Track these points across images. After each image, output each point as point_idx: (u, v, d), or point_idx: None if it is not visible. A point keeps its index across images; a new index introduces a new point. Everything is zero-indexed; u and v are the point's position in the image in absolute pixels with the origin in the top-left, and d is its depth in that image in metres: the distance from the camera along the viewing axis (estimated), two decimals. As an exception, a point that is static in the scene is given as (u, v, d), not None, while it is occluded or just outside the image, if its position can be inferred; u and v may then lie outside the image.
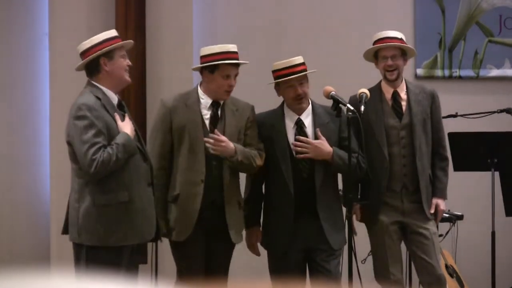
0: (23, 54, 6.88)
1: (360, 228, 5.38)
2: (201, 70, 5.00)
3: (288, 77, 5.05)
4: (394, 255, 5.29)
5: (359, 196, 5.31)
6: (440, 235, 5.83)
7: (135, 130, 4.67)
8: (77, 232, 4.57)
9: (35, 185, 6.88)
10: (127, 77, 4.66)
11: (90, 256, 4.54)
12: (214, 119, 5.01)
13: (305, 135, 5.08)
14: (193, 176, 4.91)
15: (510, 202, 6.19)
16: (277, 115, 5.16)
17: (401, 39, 5.29)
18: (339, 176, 5.26)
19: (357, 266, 4.89)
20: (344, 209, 5.10)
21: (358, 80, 5.49)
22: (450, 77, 7.26)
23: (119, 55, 4.63)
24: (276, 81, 5.10)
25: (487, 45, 7.27)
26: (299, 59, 5.10)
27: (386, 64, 5.26)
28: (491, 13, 7.28)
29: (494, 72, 7.29)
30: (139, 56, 6.58)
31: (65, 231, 4.73)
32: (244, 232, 5.20)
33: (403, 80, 5.38)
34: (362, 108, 4.90)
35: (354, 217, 5.16)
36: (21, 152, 6.86)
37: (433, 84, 6.20)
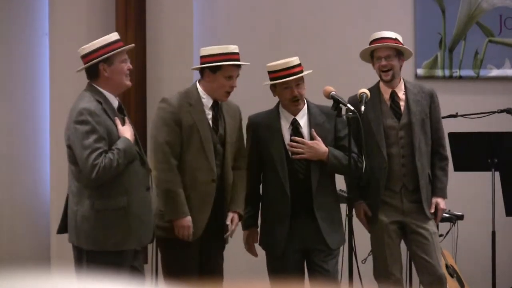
0: (23, 54, 6.88)
1: (360, 228, 5.37)
2: (202, 69, 4.99)
3: (285, 79, 5.03)
4: (394, 255, 5.29)
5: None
6: (440, 235, 5.83)
7: (134, 135, 4.67)
8: (75, 235, 4.57)
9: (35, 185, 6.88)
10: (126, 81, 4.66)
11: (90, 259, 4.53)
12: (215, 119, 5.02)
13: (301, 135, 5.08)
14: (204, 175, 4.90)
15: (510, 202, 6.19)
16: (273, 115, 5.16)
17: (395, 39, 5.28)
18: (340, 176, 5.26)
19: (357, 266, 4.89)
20: (343, 210, 5.10)
21: (358, 80, 5.49)
22: (451, 77, 7.26)
23: (119, 60, 4.63)
24: (272, 82, 5.09)
25: (487, 45, 7.27)
26: (295, 60, 5.08)
27: (380, 64, 5.27)
28: (491, 13, 7.28)
29: (494, 72, 7.29)
30: (139, 56, 6.58)
31: (61, 230, 4.73)
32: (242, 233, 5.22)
33: (401, 80, 5.37)
34: (363, 108, 4.90)
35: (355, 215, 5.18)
36: (21, 152, 6.86)
37: (433, 84, 6.20)
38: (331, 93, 4.96)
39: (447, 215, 6.14)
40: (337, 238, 5.09)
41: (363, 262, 5.34)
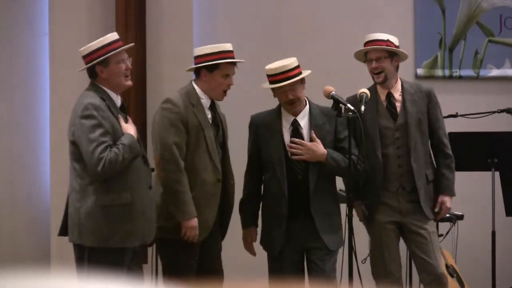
0: (23, 54, 6.88)
1: (360, 228, 5.38)
2: (197, 69, 4.99)
3: (279, 84, 5.02)
4: (392, 254, 5.29)
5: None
6: (440, 235, 5.82)
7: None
8: (78, 233, 4.57)
9: (35, 185, 6.88)
10: (125, 81, 4.68)
11: (92, 258, 4.54)
12: (214, 119, 5.03)
13: (301, 136, 5.08)
14: (210, 176, 4.91)
15: (510, 202, 6.19)
16: (274, 115, 5.16)
17: (387, 40, 5.25)
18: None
19: (357, 266, 4.89)
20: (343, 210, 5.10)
21: (358, 80, 5.49)
22: (450, 77, 7.26)
23: (115, 61, 4.65)
24: (267, 87, 5.09)
25: (487, 45, 7.27)
26: (292, 63, 5.05)
27: (371, 66, 5.27)
28: (492, 13, 7.28)
29: (494, 72, 7.29)
30: (139, 56, 6.58)
31: (62, 232, 4.73)
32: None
33: (398, 81, 5.36)
34: (363, 108, 4.90)
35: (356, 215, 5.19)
36: (21, 152, 6.86)
37: (433, 84, 6.19)
38: (331, 93, 4.96)
39: (447, 215, 6.14)
40: (335, 239, 5.08)
41: (363, 262, 5.34)
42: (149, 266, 5.96)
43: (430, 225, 5.31)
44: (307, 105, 5.13)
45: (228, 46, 4.98)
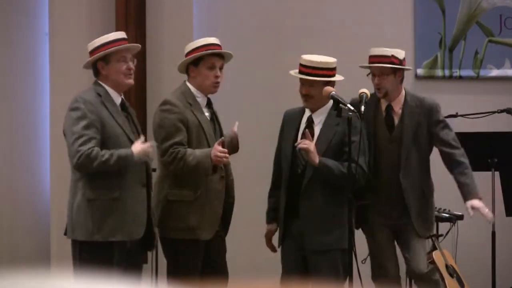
0: (23, 54, 6.88)
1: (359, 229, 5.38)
2: (187, 68, 5.02)
3: (296, 75, 5.09)
4: (387, 253, 5.29)
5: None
6: (440, 235, 5.83)
7: (137, 131, 4.72)
8: (71, 228, 4.65)
9: (35, 184, 6.88)
10: (126, 80, 4.71)
11: (83, 252, 4.58)
12: (213, 116, 5.04)
13: (312, 132, 5.09)
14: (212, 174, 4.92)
15: (510, 202, 6.19)
16: (299, 111, 5.21)
17: (391, 56, 5.19)
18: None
19: (357, 266, 4.88)
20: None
21: (358, 80, 5.49)
22: (450, 77, 7.26)
23: (116, 59, 4.69)
24: (290, 73, 5.14)
25: (487, 45, 7.27)
26: (324, 63, 5.05)
27: (374, 82, 5.26)
28: (492, 13, 7.28)
29: (494, 72, 7.29)
30: (139, 56, 6.57)
31: (66, 231, 4.77)
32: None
33: (402, 93, 5.30)
34: (363, 108, 4.89)
35: None
36: (21, 151, 6.86)
37: (433, 84, 6.20)
38: (331, 93, 4.96)
39: (447, 215, 6.14)
40: (326, 239, 5.02)
41: (363, 262, 5.34)
42: (149, 266, 5.96)
43: (420, 241, 5.31)
44: (330, 104, 5.08)
45: (212, 40, 5.06)
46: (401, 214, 5.25)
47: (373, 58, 5.24)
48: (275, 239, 5.28)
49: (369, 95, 5.02)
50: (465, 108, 6.65)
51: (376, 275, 5.34)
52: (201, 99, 5.01)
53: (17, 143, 6.87)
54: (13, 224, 6.85)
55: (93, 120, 4.55)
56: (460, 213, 6.30)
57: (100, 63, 4.70)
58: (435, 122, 5.25)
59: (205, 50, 4.98)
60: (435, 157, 5.40)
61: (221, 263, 5.06)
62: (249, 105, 5.53)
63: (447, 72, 7.25)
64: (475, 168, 6.32)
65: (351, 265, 4.82)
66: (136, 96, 6.65)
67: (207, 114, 5.02)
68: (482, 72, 7.28)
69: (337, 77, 5.09)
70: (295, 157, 5.09)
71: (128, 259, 4.65)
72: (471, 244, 6.96)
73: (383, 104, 5.30)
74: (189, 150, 4.82)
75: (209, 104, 5.05)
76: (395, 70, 5.22)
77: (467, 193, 5.21)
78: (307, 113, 5.16)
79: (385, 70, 5.20)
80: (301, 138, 5.04)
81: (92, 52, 4.72)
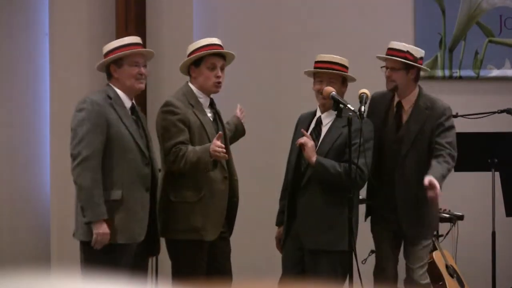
0: (23, 54, 6.88)
1: (361, 228, 5.37)
2: (188, 69, 5.03)
3: (308, 69, 5.13)
4: (385, 252, 5.28)
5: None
6: (440, 235, 5.82)
7: (145, 135, 4.75)
8: (76, 228, 4.68)
9: (35, 184, 6.88)
10: (136, 84, 4.76)
11: (85, 252, 4.60)
12: (215, 117, 5.04)
13: (319, 132, 5.10)
14: (217, 173, 4.92)
15: (510, 202, 6.19)
16: (312, 113, 5.25)
17: (406, 52, 5.19)
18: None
19: (357, 266, 4.88)
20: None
21: (358, 80, 5.49)
22: (451, 77, 7.26)
23: (128, 63, 4.74)
24: (309, 70, 5.16)
25: (487, 45, 7.26)
26: (339, 59, 5.12)
27: (385, 74, 5.25)
28: (491, 13, 7.28)
29: (495, 73, 7.29)
30: (139, 56, 6.58)
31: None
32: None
33: (415, 92, 5.25)
34: (363, 108, 4.89)
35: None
36: (21, 151, 6.86)
37: (433, 84, 6.20)
38: (331, 94, 4.96)
39: (447, 215, 6.14)
40: (323, 239, 5.02)
41: (363, 262, 5.34)
42: (149, 266, 5.96)
43: (422, 244, 5.28)
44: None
45: (213, 40, 5.06)
46: (397, 219, 5.22)
47: (389, 51, 5.25)
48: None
49: (369, 95, 5.02)
50: (465, 108, 6.64)
51: (375, 272, 5.34)
52: (204, 100, 5.01)
53: (17, 143, 6.87)
54: (13, 224, 6.85)
55: (98, 122, 4.57)
56: (460, 213, 6.31)
57: (112, 66, 4.74)
58: (437, 125, 5.18)
59: (206, 51, 4.98)
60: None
61: (225, 264, 5.06)
62: (250, 105, 5.53)
63: (447, 72, 7.25)
64: (475, 168, 6.33)
65: (351, 265, 4.82)
66: (136, 97, 6.64)
67: (209, 114, 5.02)
68: (482, 72, 7.28)
69: (351, 77, 5.14)
70: (300, 157, 5.10)
71: (132, 263, 4.66)
72: (471, 244, 6.96)
73: (396, 101, 5.29)
74: (190, 147, 4.82)
75: (211, 105, 5.05)
76: (407, 67, 5.19)
77: (431, 172, 4.99)
78: (318, 114, 5.17)
79: (396, 64, 5.19)
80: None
81: (106, 54, 4.77)
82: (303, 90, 5.90)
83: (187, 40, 6.77)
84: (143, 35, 6.71)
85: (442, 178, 5.00)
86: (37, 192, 6.88)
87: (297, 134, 5.21)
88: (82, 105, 4.63)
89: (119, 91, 4.73)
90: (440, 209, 5.98)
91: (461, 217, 6.30)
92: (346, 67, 5.15)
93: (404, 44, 5.27)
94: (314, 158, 4.95)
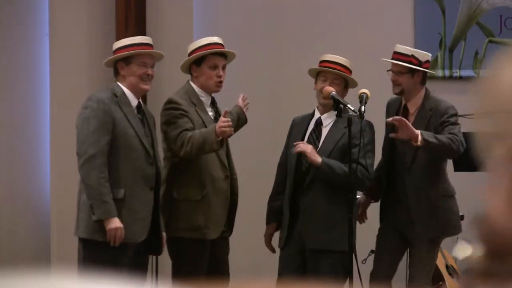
0: (23, 54, 6.88)
1: (360, 228, 5.37)
2: (189, 67, 5.02)
3: (312, 67, 5.14)
4: (383, 251, 5.27)
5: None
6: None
7: (151, 135, 4.76)
8: (76, 224, 4.68)
9: (35, 184, 6.88)
10: (142, 85, 4.76)
11: (84, 249, 4.61)
12: (217, 116, 5.05)
13: (319, 133, 5.09)
14: (219, 172, 4.94)
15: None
16: (309, 114, 5.24)
17: (411, 56, 5.17)
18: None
19: (357, 266, 4.88)
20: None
21: (358, 80, 5.49)
22: (451, 77, 7.26)
23: (136, 62, 4.75)
24: (311, 68, 5.17)
25: (487, 45, 7.26)
26: (342, 60, 5.13)
27: (390, 78, 5.24)
28: (492, 13, 7.28)
29: (494, 72, 7.29)
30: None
31: None
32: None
33: (421, 94, 5.23)
34: (363, 108, 4.89)
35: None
36: (21, 151, 6.86)
37: (433, 84, 6.18)
38: (331, 94, 4.97)
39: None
40: (325, 238, 5.00)
41: (363, 262, 5.34)
42: (149, 266, 5.96)
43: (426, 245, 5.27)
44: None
45: (215, 39, 5.07)
46: (407, 220, 5.20)
47: (394, 55, 5.25)
48: (275, 240, 5.29)
49: (369, 95, 5.03)
50: (465, 108, 6.64)
51: (372, 270, 5.33)
52: (205, 99, 5.02)
53: (17, 143, 6.87)
54: (13, 224, 6.85)
55: (103, 120, 4.58)
56: (460, 213, 6.30)
57: (120, 63, 4.75)
58: (440, 123, 5.17)
59: (208, 50, 4.98)
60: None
61: (223, 263, 5.07)
62: (250, 105, 5.52)
63: (447, 73, 7.25)
64: (475, 168, 6.32)
65: (351, 265, 4.82)
66: (136, 96, 6.65)
67: (211, 113, 5.03)
68: (482, 73, 7.28)
69: (353, 79, 5.14)
70: (300, 158, 5.09)
71: (132, 262, 4.66)
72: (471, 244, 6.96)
73: (403, 104, 5.29)
74: (196, 131, 4.82)
75: (213, 103, 5.06)
76: (413, 70, 5.18)
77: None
78: (317, 115, 5.15)
79: (401, 68, 5.18)
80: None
81: (116, 51, 4.77)
82: (303, 90, 5.90)
83: (187, 40, 6.77)
84: (143, 35, 6.71)
85: (434, 138, 4.97)
86: (37, 192, 6.88)
87: (294, 135, 5.20)
88: (88, 102, 4.65)
89: (125, 89, 4.74)
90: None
91: (461, 217, 6.29)
92: (350, 71, 5.15)
93: (408, 47, 5.27)
94: (319, 159, 4.95)
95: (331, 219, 5.01)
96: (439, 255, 5.95)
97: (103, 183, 4.52)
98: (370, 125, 5.10)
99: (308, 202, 5.04)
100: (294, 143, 5.02)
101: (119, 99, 4.68)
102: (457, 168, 6.15)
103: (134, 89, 4.77)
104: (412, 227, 5.17)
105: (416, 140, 4.90)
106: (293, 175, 5.10)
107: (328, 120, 5.12)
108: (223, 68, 5.01)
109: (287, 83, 6.95)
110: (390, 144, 5.24)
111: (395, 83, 5.20)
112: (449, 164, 5.53)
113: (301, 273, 5.07)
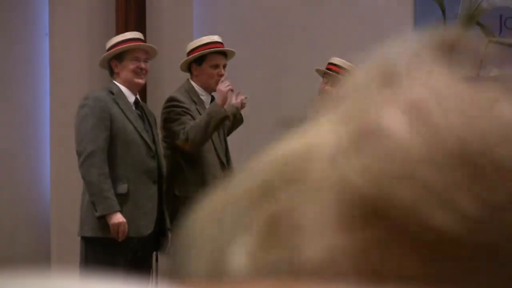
0: (23, 54, 6.88)
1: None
2: (189, 66, 5.02)
3: (319, 68, 5.29)
4: None
5: None
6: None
7: (151, 130, 4.77)
8: (80, 224, 4.69)
9: (35, 184, 6.88)
10: (136, 79, 4.76)
11: (88, 248, 4.61)
12: None
13: None
14: (218, 171, 4.96)
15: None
16: None
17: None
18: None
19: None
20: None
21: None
22: (450, 77, 7.26)
23: (129, 58, 4.75)
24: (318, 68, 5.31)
25: (487, 45, 7.27)
26: (349, 66, 5.26)
27: None
28: (492, 13, 7.28)
29: (495, 73, 7.29)
30: (139, 56, 6.59)
31: None
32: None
33: None
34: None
35: None
36: (21, 151, 6.86)
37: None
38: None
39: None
40: None
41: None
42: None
43: None
44: None
45: (215, 38, 5.09)
46: None
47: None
48: None
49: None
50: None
51: None
52: (206, 97, 5.04)
53: (17, 142, 6.87)
54: (13, 224, 6.85)
55: (100, 117, 4.59)
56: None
57: (113, 61, 4.76)
58: None
59: (208, 49, 4.99)
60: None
61: None
62: (250, 104, 5.53)
63: (447, 72, 7.26)
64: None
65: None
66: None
67: None
68: (482, 73, 7.27)
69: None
70: None
71: (134, 258, 4.67)
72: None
73: None
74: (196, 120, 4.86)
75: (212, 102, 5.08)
76: None
77: None
78: None
79: None
80: None
81: (108, 50, 4.77)
82: (303, 89, 5.91)
83: (187, 40, 6.77)
84: (143, 35, 6.72)
85: None
86: (37, 192, 6.88)
87: None
88: (84, 101, 4.66)
89: (121, 86, 4.74)
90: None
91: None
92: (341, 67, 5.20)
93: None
94: None
95: None
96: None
97: (103, 179, 4.52)
98: None
99: None
100: None
101: (116, 96, 4.68)
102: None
103: (129, 85, 4.76)
104: None
105: None
106: None
107: None
108: (224, 67, 5.03)
109: (287, 82, 6.95)
110: None
111: None
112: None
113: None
